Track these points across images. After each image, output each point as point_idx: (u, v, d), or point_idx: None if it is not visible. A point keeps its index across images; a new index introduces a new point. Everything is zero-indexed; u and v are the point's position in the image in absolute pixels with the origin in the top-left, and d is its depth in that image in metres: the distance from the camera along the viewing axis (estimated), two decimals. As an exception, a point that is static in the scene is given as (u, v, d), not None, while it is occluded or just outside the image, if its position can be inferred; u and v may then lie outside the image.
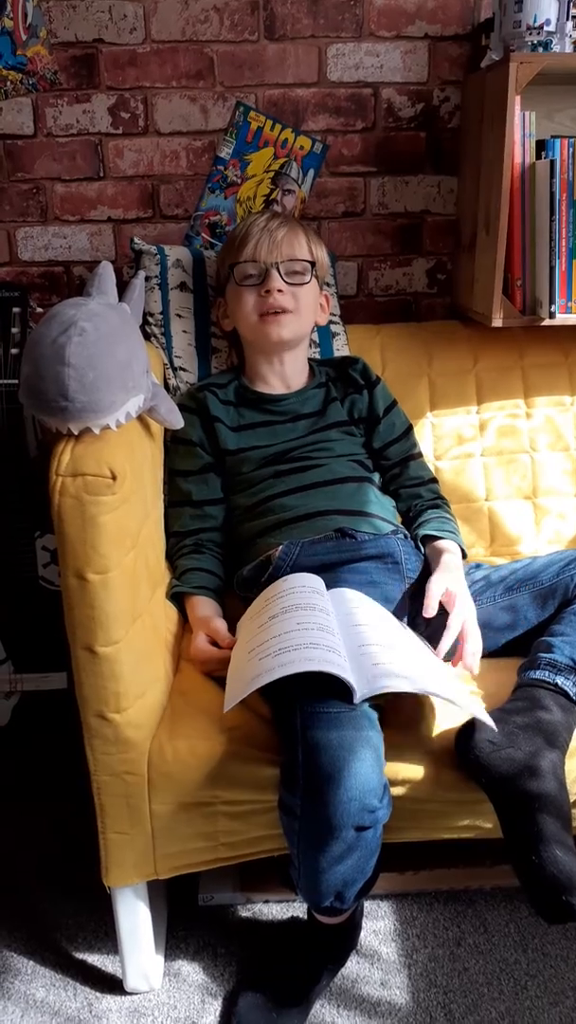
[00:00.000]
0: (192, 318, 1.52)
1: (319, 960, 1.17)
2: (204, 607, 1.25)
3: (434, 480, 1.45)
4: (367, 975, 1.24)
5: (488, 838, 1.13)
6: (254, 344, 1.41)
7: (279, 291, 1.35)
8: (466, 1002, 1.20)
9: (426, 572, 1.25)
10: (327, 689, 0.98)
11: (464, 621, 1.16)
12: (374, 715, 1.02)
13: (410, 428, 1.47)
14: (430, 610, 1.17)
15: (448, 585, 1.20)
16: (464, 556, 1.31)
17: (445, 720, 1.10)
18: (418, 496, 1.42)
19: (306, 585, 1.13)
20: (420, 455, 1.46)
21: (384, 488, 1.43)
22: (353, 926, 1.18)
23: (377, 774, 0.96)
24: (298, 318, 1.38)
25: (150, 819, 1.10)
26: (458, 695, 1.02)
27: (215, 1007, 1.20)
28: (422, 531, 1.32)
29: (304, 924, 1.21)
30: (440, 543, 1.29)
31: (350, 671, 0.99)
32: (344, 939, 1.18)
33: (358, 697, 0.97)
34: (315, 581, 1.16)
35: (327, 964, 1.18)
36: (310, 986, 1.17)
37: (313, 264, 1.39)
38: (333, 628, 1.05)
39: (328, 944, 1.17)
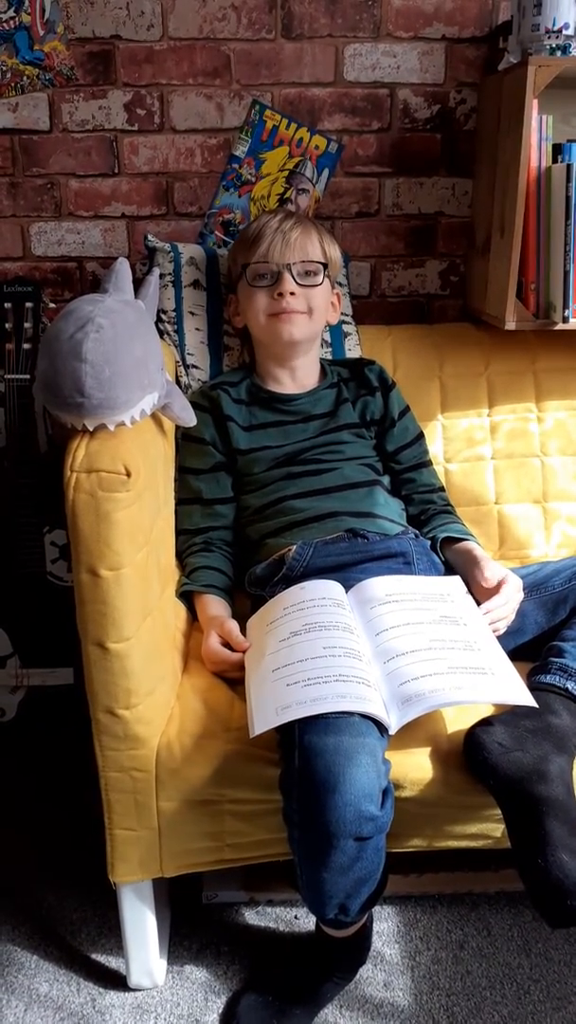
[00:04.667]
0: (205, 316, 1.52)
1: (326, 972, 1.17)
2: (214, 606, 1.25)
3: (443, 488, 1.47)
4: (370, 976, 1.24)
5: (495, 848, 1.13)
6: (265, 344, 1.41)
7: (291, 293, 1.34)
8: (469, 1005, 1.20)
9: (447, 573, 1.27)
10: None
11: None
12: (376, 721, 1.02)
13: (422, 434, 1.47)
14: (491, 582, 1.20)
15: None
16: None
17: (454, 722, 1.10)
18: (431, 502, 1.42)
19: (327, 597, 1.13)
20: (431, 462, 1.47)
21: (395, 491, 1.43)
22: (361, 939, 1.16)
23: (375, 780, 0.96)
24: (309, 319, 1.37)
25: (157, 816, 1.10)
26: (487, 691, 1.02)
27: (218, 1005, 1.20)
28: (444, 532, 1.33)
29: (311, 935, 1.20)
30: (465, 543, 1.29)
31: (381, 701, 1.00)
32: (352, 953, 1.17)
33: (393, 729, 0.99)
34: (335, 590, 1.15)
35: (333, 977, 1.17)
36: (314, 994, 1.17)
37: (326, 265, 1.38)
38: (360, 650, 1.05)
39: (335, 957, 1.17)
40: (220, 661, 1.17)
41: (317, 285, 1.37)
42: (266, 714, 0.99)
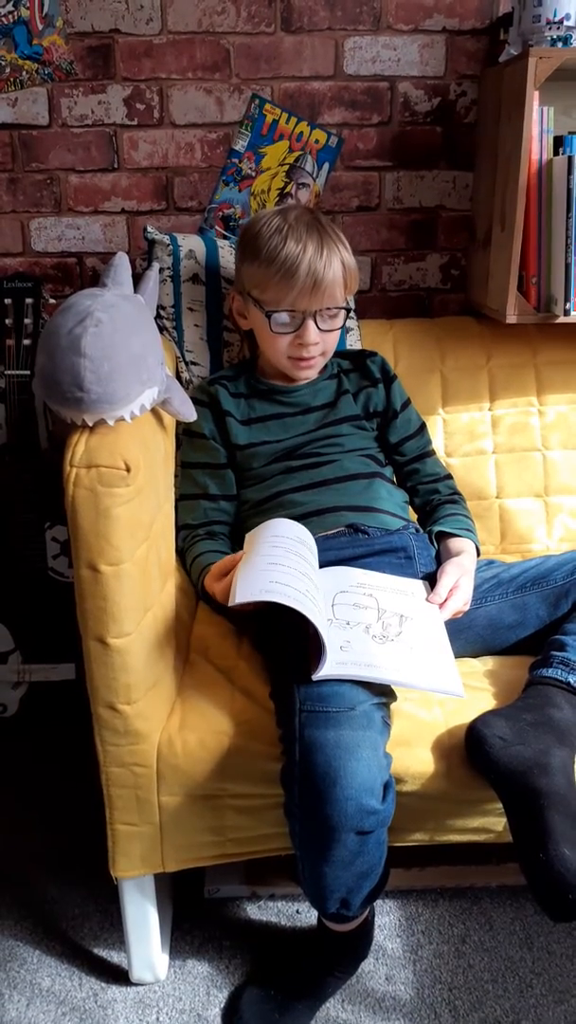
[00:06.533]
0: (204, 311, 1.52)
1: (328, 966, 1.17)
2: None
3: (449, 476, 1.45)
4: (372, 970, 1.24)
5: (497, 842, 1.13)
6: (279, 369, 1.38)
7: (314, 344, 1.31)
8: (471, 999, 1.20)
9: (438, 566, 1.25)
10: (327, 688, 1.00)
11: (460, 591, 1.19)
12: (377, 715, 1.02)
13: (424, 425, 1.46)
14: (438, 597, 1.18)
15: (459, 577, 1.20)
16: (478, 553, 1.30)
17: (455, 716, 1.10)
18: (436, 492, 1.41)
19: (302, 540, 1.15)
20: (434, 452, 1.46)
21: (400, 484, 1.42)
22: (363, 934, 1.16)
23: (376, 774, 0.96)
24: (325, 357, 1.37)
25: (158, 811, 1.10)
26: (420, 677, 1.03)
27: (220, 999, 1.21)
28: (437, 527, 1.32)
29: (313, 930, 1.20)
30: (455, 541, 1.29)
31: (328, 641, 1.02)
32: (353, 947, 1.17)
33: (316, 675, 1.00)
34: (305, 534, 1.17)
35: (335, 971, 1.17)
36: (316, 988, 1.17)
37: (348, 310, 1.35)
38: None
39: (337, 952, 1.17)
40: (224, 587, 1.13)
41: (337, 329, 1.34)
42: (250, 588, 1.00)
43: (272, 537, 1.11)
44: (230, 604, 1.00)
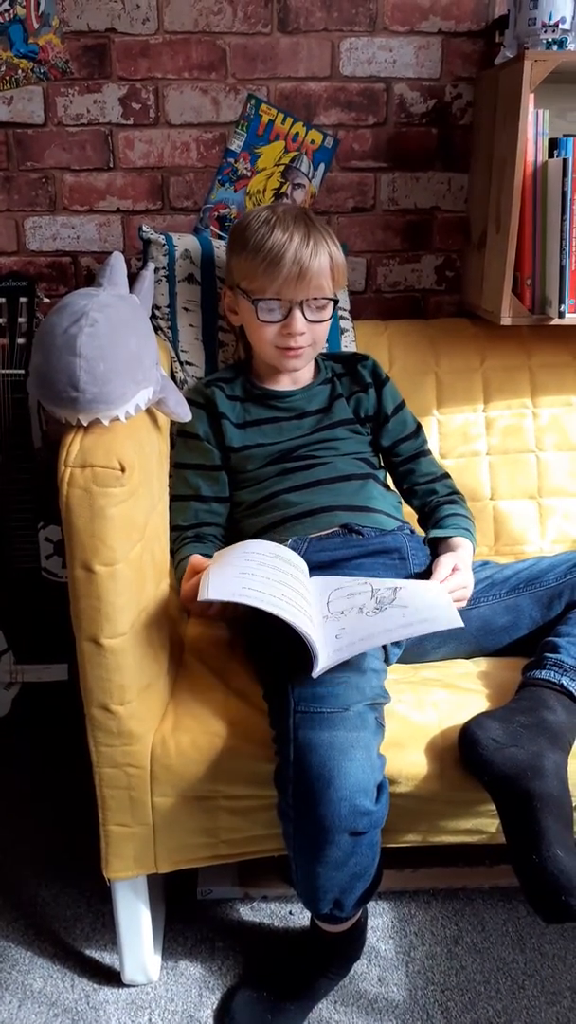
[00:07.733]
0: (199, 311, 1.52)
1: (320, 968, 1.17)
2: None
3: (447, 475, 1.43)
4: (365, 971, 1.24)
5: (490, 844, 1.13)
6: (267, 361, 1.38)
7: (301, 334, 1.31)
8: (463, 1000, 1.20)
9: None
10: (322, 688, 1.00)
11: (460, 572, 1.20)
12: (371, 716, 1.02)
13: (419, 426, 1.46)
14: (439, 576, 1.18)
15: (456, 562, 1.22)
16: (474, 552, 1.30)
17: (449, 717, 1.10)
18: (433, 492, 1.41)
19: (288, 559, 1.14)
20: (430, 452, 1.46)
21: (397, 485, 1.42)
22: (356, 935, 1.16)
23: (369, 775, 0.96)
24: (314, 348, 1.37)
25: (151, 812, 1.10)
26: (411, 626, 1.03)
27: (212, 1001, 1.20)
28: (433, 532, 1.32)
29: (306, 931, 1.20)
30: (453, 540, 1.29)
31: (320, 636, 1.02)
32: (346, 948, 1.17)
33: (317, 672, 1.00)
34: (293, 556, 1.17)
35: (328, 972, 1.17)
36: (309, 990, 1.17)
37: (336, 300, 1.35)
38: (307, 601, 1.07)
39: (330, 953, 1.16)
40: (191, 586, 1.12)
41: (325, 320, 1.34)
42: (221, 589, 1.00)
43: (244, 552, 1.10)
44: (199, 599, 1.00)
